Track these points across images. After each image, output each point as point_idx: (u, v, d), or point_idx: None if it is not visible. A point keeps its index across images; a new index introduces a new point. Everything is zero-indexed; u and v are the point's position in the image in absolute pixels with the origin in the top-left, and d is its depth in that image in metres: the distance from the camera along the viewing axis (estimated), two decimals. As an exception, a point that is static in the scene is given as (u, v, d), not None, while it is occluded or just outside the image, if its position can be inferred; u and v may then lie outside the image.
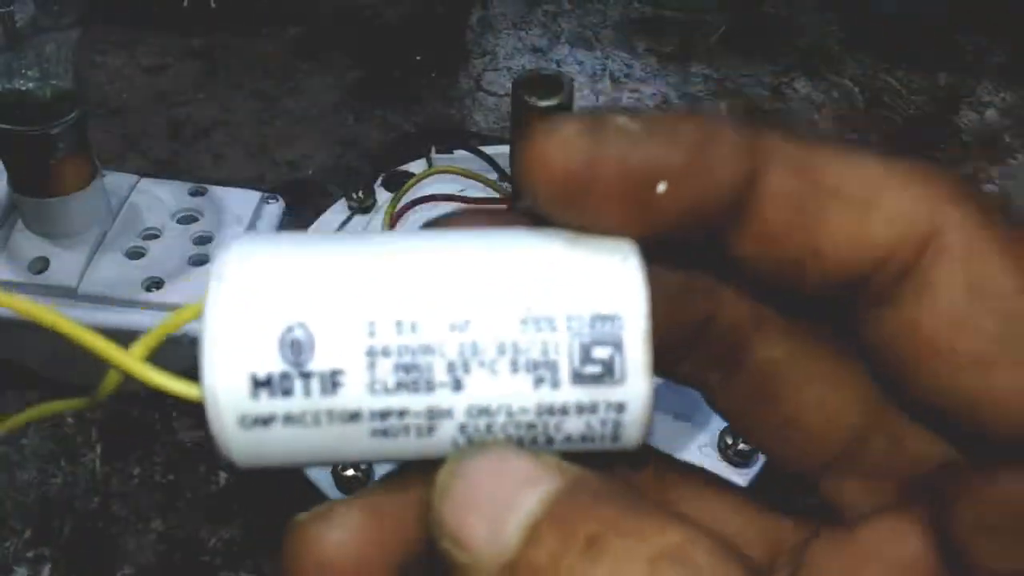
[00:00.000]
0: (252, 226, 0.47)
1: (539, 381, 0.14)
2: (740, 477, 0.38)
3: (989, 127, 0.63)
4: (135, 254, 0.45)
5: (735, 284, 0.16)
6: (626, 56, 0.68)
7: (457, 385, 0.14)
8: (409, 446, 0.14)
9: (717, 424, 0.39)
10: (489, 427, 0.14)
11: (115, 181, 0.47)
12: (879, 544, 0.16)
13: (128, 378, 0.14)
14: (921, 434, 0.16)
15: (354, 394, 0.14)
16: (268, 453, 0.14)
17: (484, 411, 0.14)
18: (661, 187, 0.14)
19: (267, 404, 0.13)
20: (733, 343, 0.17)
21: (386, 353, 0.13)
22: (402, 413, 0.14)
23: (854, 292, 0.15)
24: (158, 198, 0.48)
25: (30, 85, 0.40)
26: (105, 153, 0.54)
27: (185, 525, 0.41)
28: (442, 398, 0.14)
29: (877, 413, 0.16)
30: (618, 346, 0.14)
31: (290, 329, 0.13)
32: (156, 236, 0.46)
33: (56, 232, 0.44)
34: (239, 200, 0.48)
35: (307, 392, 0.13)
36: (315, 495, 0.38)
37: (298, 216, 0.50)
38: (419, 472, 0.15)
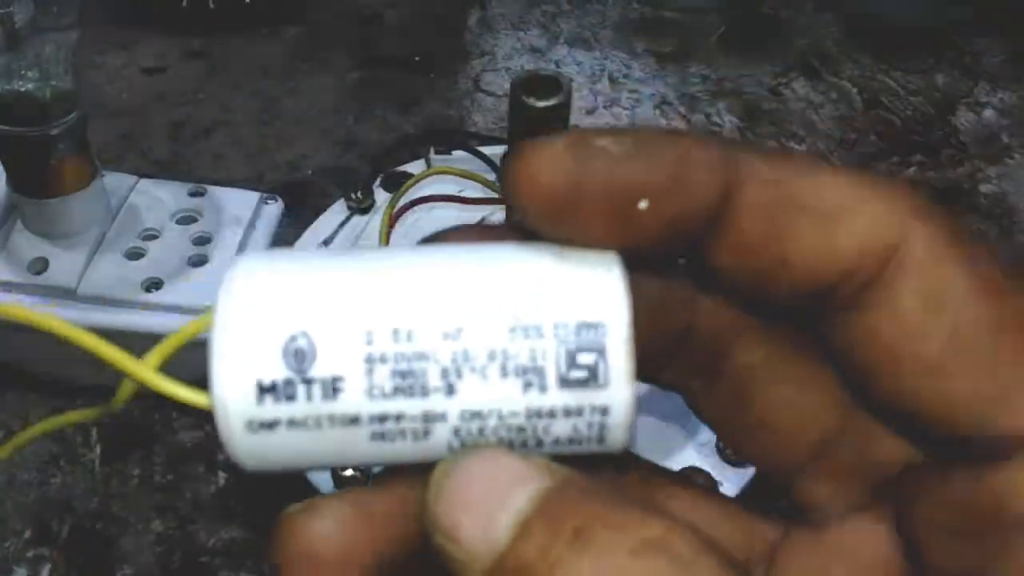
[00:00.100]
0: (251, 226, 0.47)
1: (528, 385, 0.14)
2: (738, 477, 0.38)
3: (987, 127, 0.63)
4: (134, 255, 0.45)
5: (714, 294, 0.17)
6: (625, 56, 0.68)
7: (450, 390, 0.14)
8: (406, 449, 0.15)
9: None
10: (481, 430, 0.15)
11: (114, 182, 0.47)
12: (848, 544, 0.17)
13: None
14: (887, 437, 0.16)
15: (353, 399, 0.14)
16: (273, 456, 0.15)
17: (476, 415, 0.14)
18: (643, 204, 0.14)
19: (272, 409, 0.14)
20: (714, 351, 0.17)
21: (383, 360, 0.14)
22: (399, 417, 0.14)
23: (822, 301, 0.15)
24: (157, 199, 0.48)
25: (30, 86, 0.40)
26: (105, 153, 0.54)
27: (185, 525, 0.41)
28: (436, 402, 0.14)
29: (847, 416, 0.17)
30: (602, 352, 0.14)
31: (293, 338, 0.14)
32: (155, 237, 0.46)
33: (55, 233, 0.44)
34: (238, 201, 0.48)
35: (309, 397, 0.14)
36: (314, 495, 0.38)
37: (297, 216, 0.50)
38: (407, 471, 0.15)
